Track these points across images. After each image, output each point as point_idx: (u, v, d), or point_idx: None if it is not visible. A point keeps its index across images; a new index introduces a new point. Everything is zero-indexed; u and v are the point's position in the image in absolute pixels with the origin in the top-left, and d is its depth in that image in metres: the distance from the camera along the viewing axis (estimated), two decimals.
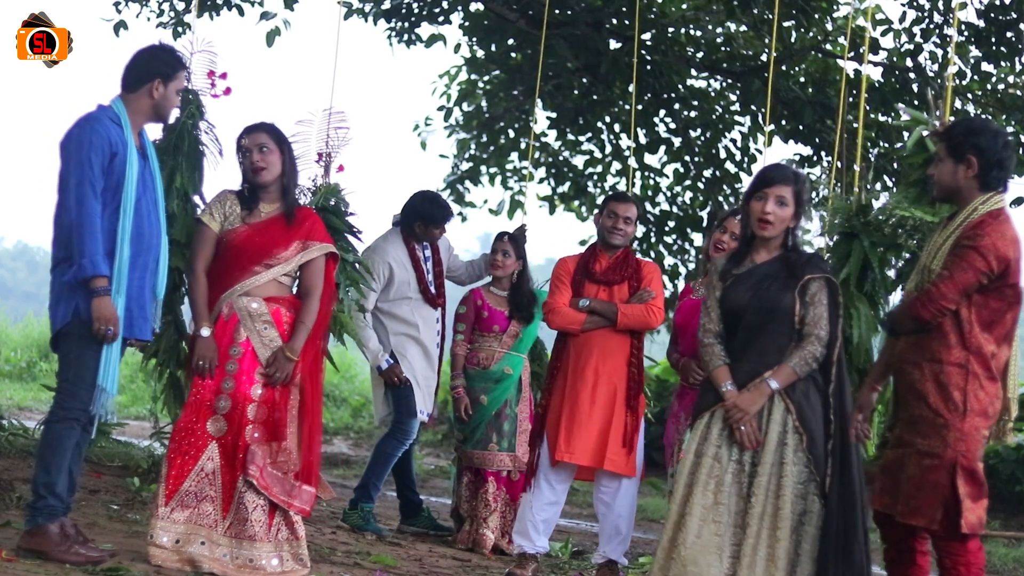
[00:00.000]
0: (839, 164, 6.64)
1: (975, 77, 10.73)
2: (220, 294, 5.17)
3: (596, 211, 6.17)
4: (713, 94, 12.59)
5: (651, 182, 12.83)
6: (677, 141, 12.49)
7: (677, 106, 12.30)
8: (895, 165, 10.48)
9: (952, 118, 5.50)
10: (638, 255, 12.27)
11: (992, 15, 10.16)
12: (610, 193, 6.77)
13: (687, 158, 12.52)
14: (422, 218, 7.06)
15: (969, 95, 10.87)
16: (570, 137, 12.92)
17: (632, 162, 10.58)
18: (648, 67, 11.57)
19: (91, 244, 4.69)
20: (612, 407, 5.86)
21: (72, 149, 4.78)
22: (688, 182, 12.71)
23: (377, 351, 6.91)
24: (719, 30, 11.97)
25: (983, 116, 10.50)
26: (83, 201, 4.71)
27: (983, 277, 4.29)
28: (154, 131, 5.50)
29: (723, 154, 12.41)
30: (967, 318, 4.32)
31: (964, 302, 4.32)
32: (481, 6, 11.79)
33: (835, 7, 11.50)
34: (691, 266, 12.36)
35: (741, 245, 4.70)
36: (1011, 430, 4.62)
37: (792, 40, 11.40)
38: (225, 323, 5.12)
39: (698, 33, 12.07)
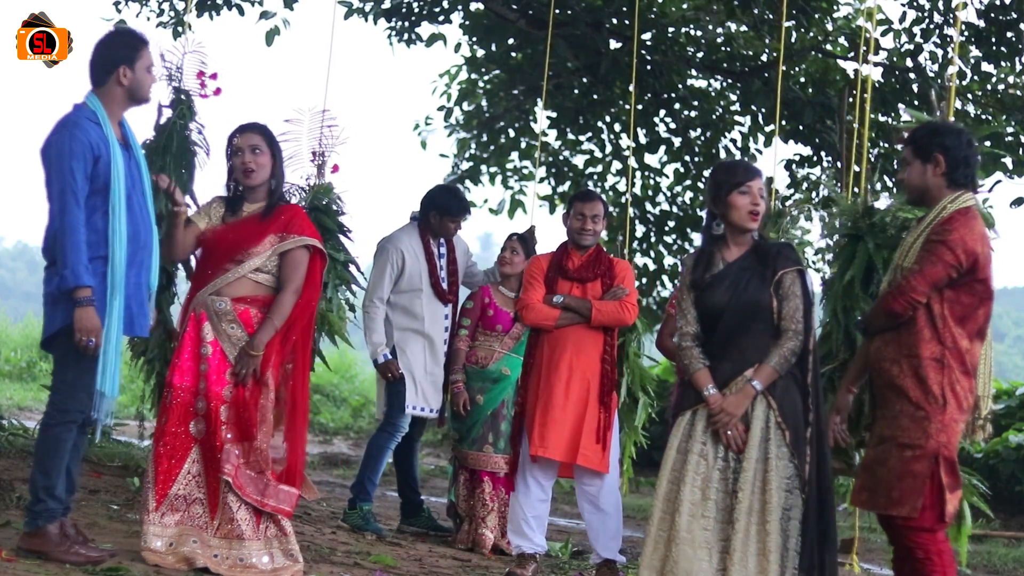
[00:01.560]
0: (839, 164, 6.65)
1: (975, 77, 10.74)
2: (195, 293, 5.17)
3: (564, 211, 6.15)
4: (713, 94, 12.60)
5: (651, 182, 12.84)
6: (677, 141, 12.50)
7: (677, 106, 12.31)
8: (895, 165, 10.49)
9: (953, 119, 5.53)
10: (638, 254, 12.26)
11: (992, 15, 10.17)
12: (576, 193, 6.75)
13: (687, 158, 12.53)
14: (437, 208, 7.05)
15: (969, 95, 10.88)
16: (570, 137, 12.93)
17: (632, 162, 10.59)
18: (648, 67, 11.58)
19: (73, 255, 4.62)
20: (585, 403, 5.87)
21: (53, 157, 4.71)
22: (688, 182, 12.72)
23: (378, 344, 6.90)
24: (719, 30, 11.98)
25: (982, 115, 10.51)
26: (65, 211, 4.65)
27: (952, 270, 4.37)
28: (144, 131, 5.48)
29: (723, 154, 12.42)
30: (940, 313, 4.40)
31: (936, 297, 4.40)
32: (481, 6, 11.79)
33: (835, 7, 11.51)
34: None
35: (706, 246, 4.70)
36: (980, 428, 4.68)
37: (792, 40, 11.40)
38: (195, 322, 5.10)
39: (698, 33, 12.07)
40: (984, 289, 4.44)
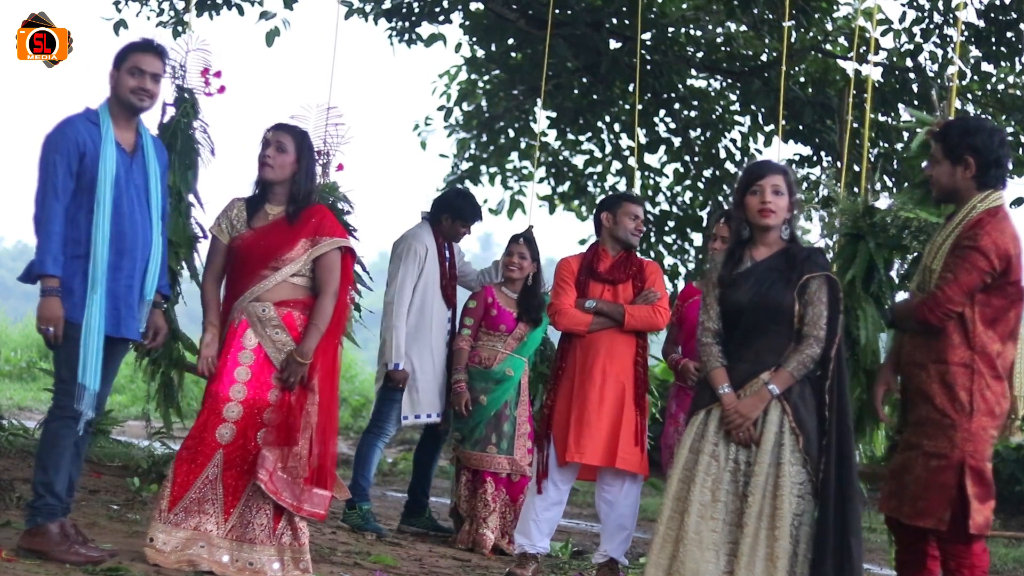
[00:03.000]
0: (839, 164, 6.65)
1: (975, 77, 10.74)
2: (232, 301, 5.13)
3: (604, 212, 6.05)
4: (713, 94, 12.60)
5: (651, 182, 12.83)
6: (677, 141, 12.50)
7: (677, 106, 12.30)
8: (895, 165, 10.49)
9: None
10: (637, 254, 12.26)
11: (992, 15, 10.17)
12: (617, 193, 6.64)
13: (687, 158, 12.53)
14: (451, 212, 7.06)
15: (969, 95, 10.87)
16: (570, 137, 12.93)
17: (632, 162, 10.58)
18: (648, 67, 11.57)
19: (45, 243, 4.73)
20: (621, 406, 5.84)
21: (41, 152, 4.83)
22: (688, 182, 12.72)
23: (401, 348, 6.86)
24: (719, 30, 11.97)
25: (979, 115, 10.49)
26: (42, 202, 4.77)
27: (987, 276, 4.27)
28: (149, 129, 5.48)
29: (723, 154, 12.42)
30: (971, 317, 4.30)
31: (967, 302, 4.30)
32: (481, 6, 11.79)
33: (835, 7, 11.50)
34: (691, 266, 12.38)
35: (735, 246, 4.68)
36: (1020, 428, 4.60)
37: (792, 40, 11.40)
38: (235, 330, 5.06)
39: (698, 33, 12.07)
40: (1016, 291, 4.35)
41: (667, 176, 12.82)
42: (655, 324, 5.95)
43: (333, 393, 5.19)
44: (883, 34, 10.87)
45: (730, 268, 4.62)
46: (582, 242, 12.29)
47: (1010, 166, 10.16)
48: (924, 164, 4.86)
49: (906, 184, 5.85)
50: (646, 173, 12.76)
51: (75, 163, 4.77)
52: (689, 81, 12.37)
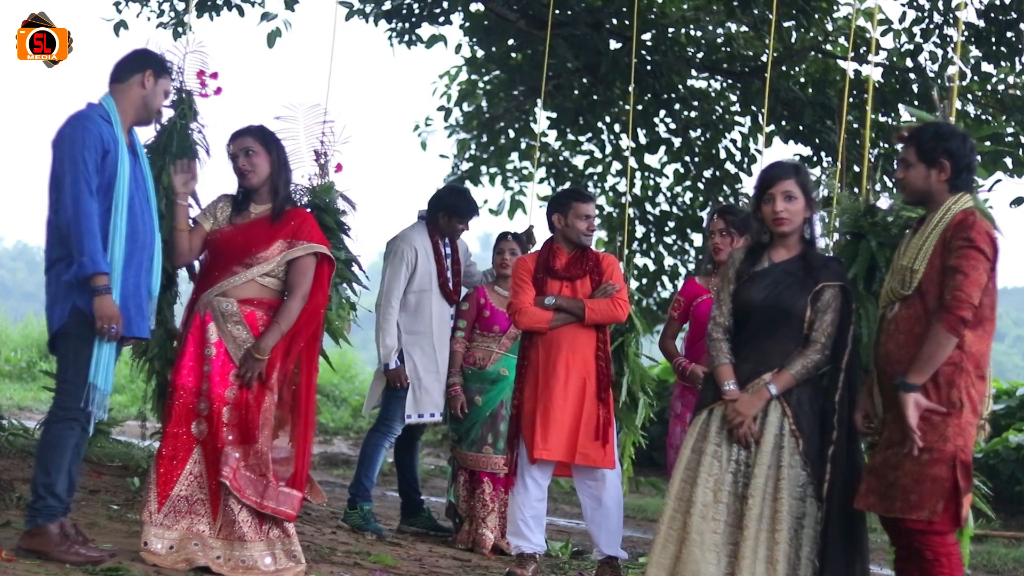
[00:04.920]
0: (839, 165, 6.65)
1: (975, 77, 10.75)
2: (200, 294, 5.16)
3: (555, 213, 6.02)
4: (713, 94, 12.61)
5: (651, 182, 12.84)
6: (677, 141, 12.51)
7: (677, 106, 12.31)
8: (895, 165, 10.49)
9: (954, 119, 5.50)
10: (638, 255, 12.24)
11: (992, 15, 10.18)
12: (567, 191, 6.50)
13: (687, 158, 12.54)
14: (447, 209, 7.06)
15: (969, 95, 10.88)
16: (570, 137, 12.94)
17: (632, 162, 10.58)
18: (648, 67, 11.58)
19: (90, 242, 4.66)
20: (582, 401, 5.87)
21: (65, 148, 4.76)
22: (688, 182, 12.73)
23: (391, 348, 6.89)
24: (719, 30, 11.99)
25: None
26: (79, 199, 4.68)
27: (988, 270, 4.32)
28: (146, 132, 5.49)
29: (723, 154, 12.43)
30: None
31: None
32: (481, 6, 11.80)
33: (835, 7, 11.52)
34: (691, 266, 12.39)
35: (756, 245, 4.69)
36: (982, 428, 4.65)
37: (792, 40, 11.41)
38: (200, 323, 5.09)
39: (698, 33, 12.09)
40: (993, 287, 4.40)
41: (667, 176, 12.83)
42: (616, 316, 5.96)
43: (310, 396, 5.20)
44: (883, 34, 10.89)
45: (749, 265, 4.64)
46: None
47: (1010, 166, 10.19)
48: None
49: None
50: (646, 173, 12.77)
51: (100, 160, 4.76)
52: (689, 81, 12.38)
